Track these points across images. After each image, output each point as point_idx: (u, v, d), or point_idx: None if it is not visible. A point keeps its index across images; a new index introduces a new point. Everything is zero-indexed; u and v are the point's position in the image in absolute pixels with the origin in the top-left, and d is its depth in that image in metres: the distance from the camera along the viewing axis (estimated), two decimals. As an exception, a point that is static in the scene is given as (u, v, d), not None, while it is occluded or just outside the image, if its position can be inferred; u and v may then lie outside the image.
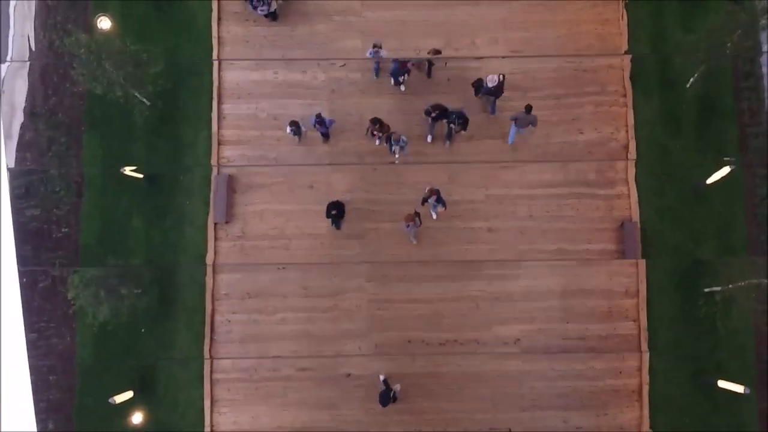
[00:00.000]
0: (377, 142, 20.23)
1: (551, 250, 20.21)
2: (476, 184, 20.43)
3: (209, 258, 20.10)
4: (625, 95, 20.72)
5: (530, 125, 19.47)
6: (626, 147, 20.52)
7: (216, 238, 20.22)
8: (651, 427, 19.61)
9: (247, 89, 20.88)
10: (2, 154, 16.59)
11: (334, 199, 19.61)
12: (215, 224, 20.24)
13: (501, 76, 19.32)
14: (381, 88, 20.75)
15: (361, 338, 19.97)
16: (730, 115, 20.62)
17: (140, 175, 19.36)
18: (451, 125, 19.57)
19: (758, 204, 20.20)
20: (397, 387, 19.15)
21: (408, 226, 19.08)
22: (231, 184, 20.35)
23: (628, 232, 20.01)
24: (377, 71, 20.67)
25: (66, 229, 20.09)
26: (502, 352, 19.90)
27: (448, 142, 20.36)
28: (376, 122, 19.39)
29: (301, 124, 19.66)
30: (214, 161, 20.44)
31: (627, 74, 20.72)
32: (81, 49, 17.68)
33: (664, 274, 20.09)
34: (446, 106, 19.38)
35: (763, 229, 20.08)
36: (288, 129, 19.62)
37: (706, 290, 19.58)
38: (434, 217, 19.91)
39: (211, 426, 19.81)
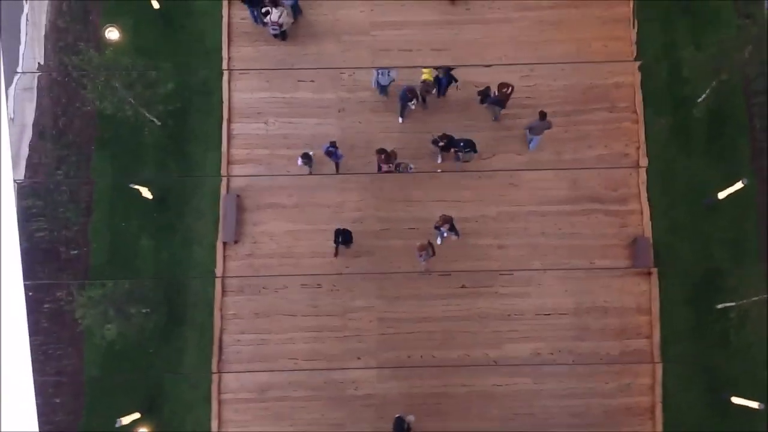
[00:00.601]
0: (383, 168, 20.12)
1: (563, 266, 20.04)
2: (487, 200, 20.32)
3: (218, 276, 20.02)
4: (635, 111, 20.64)
5: (545, 130, 19.60)
6: (637, 162, 20.41)
7: (225, 257, 20.15)
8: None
9: (256, 108, 20.88)
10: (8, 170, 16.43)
11: (342, 227, 19.43)
12: (224, 243, 20.18)
13: (509, 88, 19.32)
14: (389, 105, 20.70)
15: (370, 357, 19.79)
16: (742, 130, 20.55)
17: (150, 195, 19.32)
18: (459, 153, 19.57)
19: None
20: (411, 418, 18.76)
21: (420, 255, 18.96)
22: (240, 204, 20.32)
23: (640, 248, 19.85)
24: (383, 92, 20.59)
25: (75, 251, 20.09)
26: (512, 371, 19.66)
27: (458, 164, 20.31)
28: (382, 152, 19.20)
29: (312, 156, 19.57)
30: (223, 180, 20.44)
31: (638, 90, 20.70)
32: (91, 67, 17.71)
33: (677, 289, 19.88)
34: (453, 136, 19.40)
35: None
36: (299, 161, 19.55)
37: (719, 306, 19.33)
38: (439, 242, 19.68)
39: (219, 434, 19.66)
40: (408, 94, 19.55)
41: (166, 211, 20.36)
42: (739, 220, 20.10)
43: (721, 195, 19.07)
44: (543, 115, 19.09)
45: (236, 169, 20.60)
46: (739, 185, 18.38)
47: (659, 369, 19.60)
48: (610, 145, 20.57)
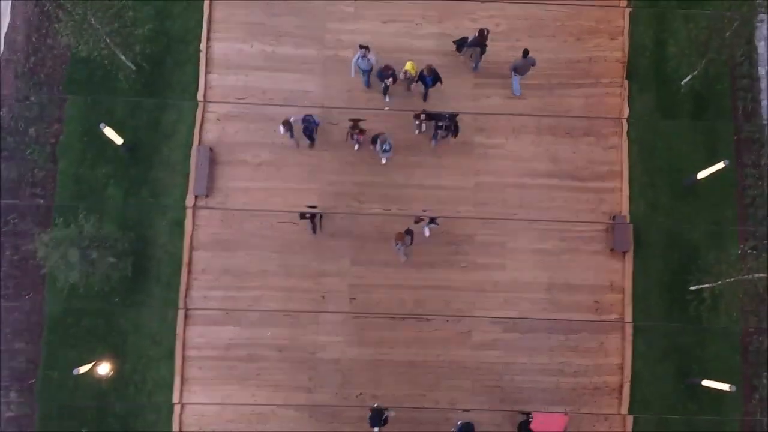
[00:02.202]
0: (356, 147, 19.74)
1: (540, 238, 19.85)
2: (466, 170, 19.99)
3: (187, 230, 19.47)
4: (621, 86, 20.49)
5: (531, 67, 19.43)
6: (620, 137, 20.33)
7: (195, 210, 19.60)
8: (633, 426, 19.19)
9: (235, 61, 20.32)
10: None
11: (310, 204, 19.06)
12: (195, 196, 19.61)
13: (485, 30, 19.11)
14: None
15: (341, 322, 19.38)
16: (726, 112, 20.49)
17: (119, 139, 18.62)
18: (439, 129, 19.20)
19: (750, 202, 20.00)
20: (390, 413, 18.37)
21: (397, 244, 18.66)
22: (212, 158, 19.74)
23: (618, 226, 19.66)
24: (367, 81, 20.12)
25: (40, 193, 19.43)
26: (483, 343, 19.39)
27: (434, 142, 19.91)
28: (356, 125, 18.82)
29: (293, 123, 18.97)
30: (196, 132, 19.88)
31: (624, 66, 20.59)
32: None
33: (653, 269, 19.80)
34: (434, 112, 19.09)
35: (754, 225, 19.81)
36: (281, 129, 18.96)
37: (693, 288, 19.22)
38: (427, 234, 19.29)
39: (180, 402, 19.07)
40: (384, 71, 19.16)
41: (136, 161, 19.76)
42: (719, 202, 20.01)
43: (701, 175, 18.95)
44: (526, 53, 18.90)
45: (211, 122, 20.05)
46: (720, 165, 18.24)
47: (629, 348, 19.45)
48: (594, 114, 20.45)
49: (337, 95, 20.17)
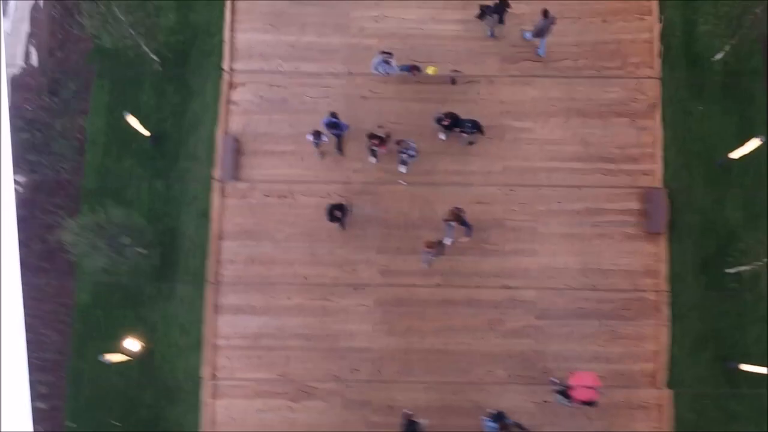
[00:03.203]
0: (374, 160, 19.45)
1: (572, 212, 19.49)
2: (493, 155, 19.68)
3: (213, 220, 19.46)
4: (652, 66, 20.07)
5: (552, 27, 19.06)
6: (653, 105, 19.92)
7: (222, 197, 19.58)
8: (673, 408, 18.68)
9: (259, 50, 20.32)
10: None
11: (336, 202, 18.62)
12: (221, 183, 19.56)
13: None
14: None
15: (369, 311, 19.20)
16: (760, 90, 19.89)
17: (145, 131, 18.68)
18: (464, 134, 18.92)
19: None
20: (425, 422, 17.92)
21: (426, 253, 18.34)
22: (238, 148, 19.71)
23: (654, 202, 19.20)
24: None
25: (68, 184, 19.54)
26: (515, 331, 19.05)
27: (466, 144, 19.67)
28: (374, 137, 18.40)
29: (323, 134, 18.67)
30: (221, 122, 19.89)
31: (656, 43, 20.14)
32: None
33: (688, 252, 19.26)
34: (458, 115, 18.69)
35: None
36: (310, 137, 18.70)
37: (731, 270, 18.69)
38: (449, 242, 18.95)
39: (212, 384, 19.05)
40: (411, 69, 19.05)
41: (161, 153, 19.79)
42: (754, 180, 19.43)
43: (736, 154, 18.43)
44: (546, 13, 18.52)
45: (236, 111, 20.06)
46: (755, 143, 17.72)
47: (665, 334, 18.92)
48: (626, 92, 20.08)
49: (362, 83, 20.03)
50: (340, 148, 19.45)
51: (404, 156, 18.77)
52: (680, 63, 20.12)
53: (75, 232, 16.73)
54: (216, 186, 19.58)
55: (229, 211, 19.58)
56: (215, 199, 19.53)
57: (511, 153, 19.74)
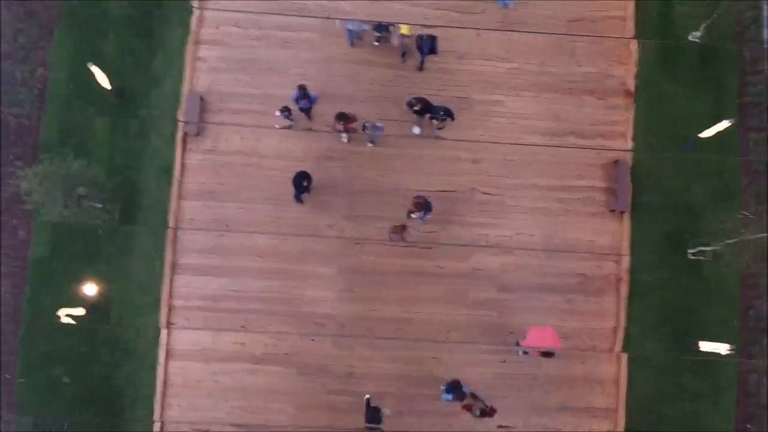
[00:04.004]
0: (345, 139, 19.13)
1: (539, 187, 19.46)
2: (463, 126, 19.47)
3: (176, 177, 19.04)
4: (627, 45, 20.06)
5: None
6: (625, 84, 19.85)
7: (185, 150, 19.17)
8: (627, 385, 18.78)
9: (227, 5, 19.66)
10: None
11: (302, 171, 18.28)
12: (184, 140, 19.14)
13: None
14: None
15: (332, 277, 18.98)
16: (731, 74, 19.95)
17: (108, 84, 18.14)
18: (434, 120, 18.67)
19: (753, 160, 19.52)
20: (386, 411, 17.82)
21: (392, 236, 18.27)
22: (204, 105, 19.31)
23: (619, 180, 19.21)
24: (352, 41, 19.58)
25: (26, 130, 18.96)
26: (479, 302, 18.96)
27: (437, 131, 19.32)
28: (342, 117, 18.06)
29: (291, 110, 18.38)
30: (187, 78, 19.44)
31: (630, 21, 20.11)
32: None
33: (651, 229, 19.31)
34: (430, 101, 18.50)
35: (756, 185, 19.34)
36: (278, 113, 18.38)
37: (693, 250, 18.83)
38: (421, 224, 18.85)
39: (167, 345, 18.69)
40: (384, 28, 18.76)
41: (124, 107, 19.25)
42: (722, 161, 19.48)
43: (706, 134, 18.44)
44: None
45: (201, 71, 19.60)
46: (725, 124, 17.75)
47: (624, 311, 19.03)
48: (598, 65, 20.00)
49: (334, 46, 19.70)
50: (309, 117, 19.15)
51: (371, 134, 18.61)
52: (654, 43, 20.05)
53: (31, 180, 16.20)
54: (179, 143, 19.12)
55: (192, 169, 19.19)
56: (178, 156, 19.08)
57: (481, 125, 19.59)
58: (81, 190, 16.25)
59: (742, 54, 20.08)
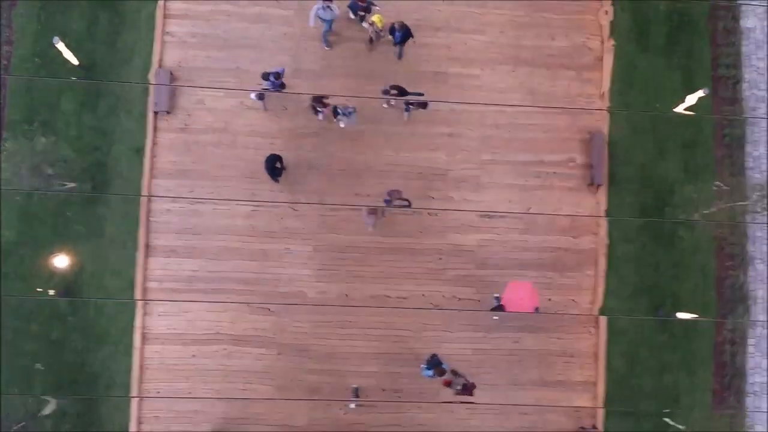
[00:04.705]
0: (320, 117, 18.76)
1: (515, 162, 19.34)
2: (441, 87, 19.29)
3: (147, 156, 18.57)
4: (599, 19, 19.98)
5: None
6: (600, 59, 19.75)
7: (156, 129, 18.67)
8: (606, 357, 18.87)
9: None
10: None
11: (275, 153, 18.04)
12: (155, 114, 18.63)
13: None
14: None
15: (309, 256, 18.69)
16: (705, 42, 19.95)
17: (75, 60, 17.58)
18: (410, 105, 18.47)
19: (725, 129, 19.63)
20: (351, 406, 18.08)
21: (368, 219, 18.02)
22: (174, 78, 18.82)
23: (596, 154, 19.20)
24: (327, 40, 19.08)
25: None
26: (456, 279, 18.86)
27: (406, 115, 19.09)
28: (317, 100, 17.81)
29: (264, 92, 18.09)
30: (157, 52, 18.88)
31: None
32: None
33: (628, 202, 19.33)
34: (404, 88, 18.22)
35: (728, 155, 19.48)
36: (252, 96, 18.13)
37: (670, 220, 18.95)
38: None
39: (142, 328, 18.32)
40: (359, 2, 18.22)
41: (92, 84, 18.66)
42: (696, 133, 19.58)
43: (683, 106, 18.47)
44: None
45: (171, 45, 19.05)
46: (699, 94, 17.79)
47: (602, 284, 19.05)
48: (572, 36, 19.86)
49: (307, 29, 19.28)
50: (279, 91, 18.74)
51: (343, 117, 18.32)
52: (627, 15, 19.98)
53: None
54: (150, 121, 18.62)
55: (164, 148, 18.70)
56: (149, 135, 18.59)
57: (457, 98, 19.34)
58: (49, 169, 15.69)
59: (716, 26, 20.07)
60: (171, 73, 18.77)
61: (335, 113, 18.22)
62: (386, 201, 18.25)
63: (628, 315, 18.86)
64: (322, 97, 17.85)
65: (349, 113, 18.15)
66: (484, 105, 18.79)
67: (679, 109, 18.48)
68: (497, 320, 18.55)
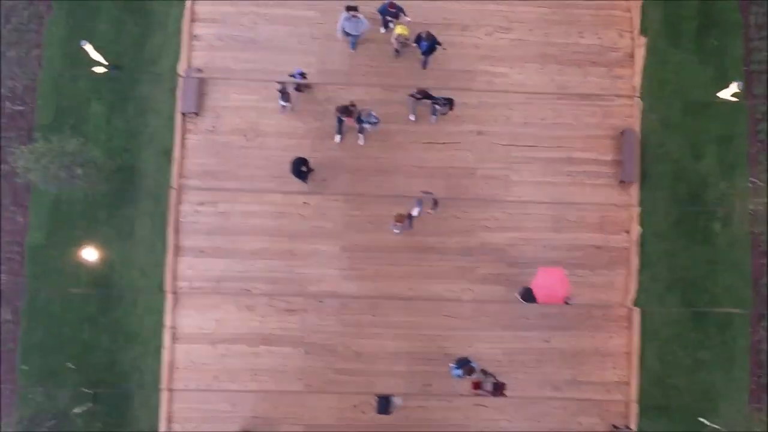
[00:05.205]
0: (338, 139, 18.71)
1: (545, 159, 19.11)
2: (470, 86, 19.15)
3: (176, 159, 18.66)
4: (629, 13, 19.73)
5: None
6: (631, 55, 19.47)
7: (184, 131, 18.77)
8: (640, 357, 18.56)
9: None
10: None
11: (302, 156, 17.95)
12: (183, 115, 18.73)
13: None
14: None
15: (336, 255, 18.63)
16: (737, 38, 19.57)
17: (104, 62, 17.76)
18: (436, 105, 18.32)
19: (759, 125, 19.21)
20: (398, 401, 17.73)
21: (395, 226, 17.90)
22: (202, 84, 18.86)
23: (627, 151, 18.91)
24: (354, 43, 18.87)
25: (20, 108, 18.52)
26: (485, 277, 18.67)
27: (433, 118, 18.92)
28: (344, 111, 17.59)
29: (288, 89, 18.05)
30: (184, 55, 18.99)
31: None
32: None
33: (661, 199, 18.99)
34: (430, 92, 18.11)
35: (763, 150, 19.08)
36: (281, 100, 18.19)
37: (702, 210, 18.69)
38: (416, 213, 18.19)
39: (172, 328, 18.39)
40: (389, 8, 18.00)
41: (120, 87, 18.82)
42: (730, 129, 19.20)
43: (720, 96, 18.21)
44: None
45: (198, 48, 19.15)
46: (734, 88, 17.45)
47: (634, 282, 18.77)
48: (601, 33, 19.62)
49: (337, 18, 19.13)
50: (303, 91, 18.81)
51: (366, 126, 18.06)
52: (658, 11, 19.68)
53: (28, 158, 15.80)
54: (178, 123, 18.73)
55: (192, 150, 18.79)
56: (177, 137, 18.69)
57: (486, 97, 19.20)
58: (79, 170, 15.84)
59: (748, 21, 19.70)
60: (199, 72, 18.81)
61: (359, 121, 18.03)
62: (417, 201, 18.07)
63: (662, 319, 18.63)
64: (348, 106, 17.66)
65: (374, 123, 17.96)
66: (512, 101, 18.68)
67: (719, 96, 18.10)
68: (525, 307, 18.28)
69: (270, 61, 19.02)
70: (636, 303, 18.66)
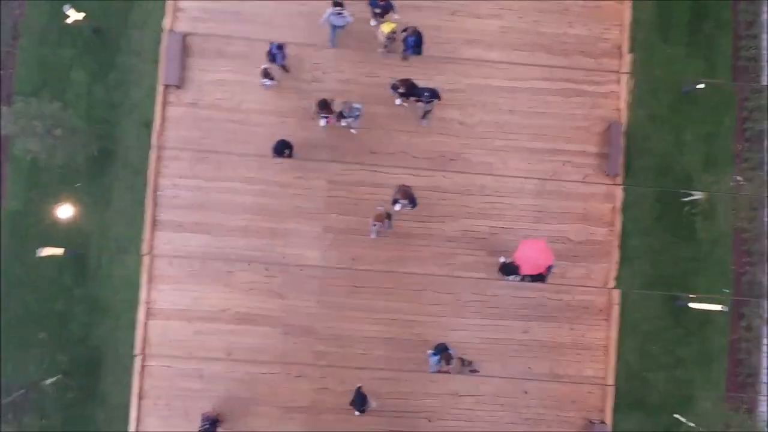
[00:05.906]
0: (323, 123, 18.32)
1: (530, 150, 18.99)
2: (457, 71, 18.99)
3: (156, 130, 18.36)
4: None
5: None
6: (620, 47, 19.38)
7: (165, 103, 18.47)
8: (618, 351, 18.52)
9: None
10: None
11: (283, 138, 17.78)
12: (165, 87, 18.43)
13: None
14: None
15: (317, 235, 18.42)
16: (726, 32, 19.54)
17: (79, 15, 17.30)
18: (421, 102, 18.02)
19: (747, 117, 19.20)
20: (374, 403, 17.53)
21: (374, 225, 17.63)
22: (186, 46, 18.51)
23: (612, 144, 18.83)
24: (334, 39, 18.62)
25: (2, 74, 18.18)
26: (466, 264, 18.55)
27: (425, 121, 18.72)
28: (324, 105, 17.46)
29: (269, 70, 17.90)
30: (168, 22, 18.69)
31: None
32: None
33: (644, 193, 18.89)
34: (415, 82, 17.85)
35: (749, 143, 19.09)
36: (263, 80, 17.98)
37: (685, 199, 18.57)
38: (397, 208, 17.91)
39: (147, 303, 18.12)
40: (378, 1, 17.83)
41: (102, 45, 18.52)
42: (716, 126, 19.16)
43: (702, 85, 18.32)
44: None
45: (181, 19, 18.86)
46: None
47: (614, 274, 18.74)
48: (591, 24, 19.47)
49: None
50: (286, 70, 18.61)
51: (349, 120, 17.93)
52: (649, 4, 19.59)
53: (6, 116, 15.53)
54: (160, 95, 18.44)
55: (173, 122, 18.51)
56: (158, 109, 18.40)
57: (472, 84, 19.05)
58: (58, 131, 15.57)
59: (737, 18, 19.66)
60: (183, 38, 18.50)
61: (341, 117, 17.87)
62: (394, 200, 17.78)
63: (644, 301, 18.58)
64: (328, 102, 17.53)
65: (356, 115, 17.79)
66: (500, 88, 18.51)
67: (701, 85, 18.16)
68: (515, 281, 18.12)
69: (256, 35, 18.66)
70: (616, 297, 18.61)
